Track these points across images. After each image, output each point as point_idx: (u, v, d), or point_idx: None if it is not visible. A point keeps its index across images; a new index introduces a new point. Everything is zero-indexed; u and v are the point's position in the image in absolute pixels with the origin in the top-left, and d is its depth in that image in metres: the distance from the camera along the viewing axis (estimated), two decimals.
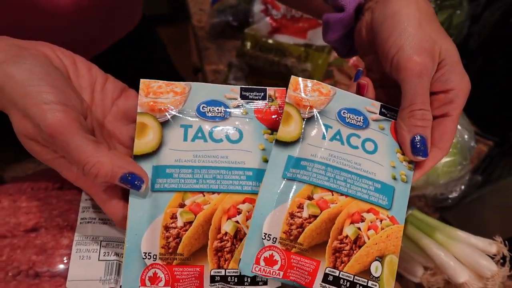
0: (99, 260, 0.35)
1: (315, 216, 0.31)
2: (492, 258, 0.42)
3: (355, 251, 0.31)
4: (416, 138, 0.32)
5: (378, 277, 0.31)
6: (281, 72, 0.75)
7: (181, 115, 0.33)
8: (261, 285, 0.31)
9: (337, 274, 0.31)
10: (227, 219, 0.31)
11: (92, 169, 0.28)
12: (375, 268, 0.31)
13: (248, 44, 0.77)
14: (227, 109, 0.34)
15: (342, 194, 0.32)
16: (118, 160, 0.29)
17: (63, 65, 0.33)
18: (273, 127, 0.34)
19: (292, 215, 0.31)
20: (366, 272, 0.31)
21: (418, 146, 0.32)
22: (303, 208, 0.31)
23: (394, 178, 0.33)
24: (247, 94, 0.35)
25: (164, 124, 0.33)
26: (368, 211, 0.32)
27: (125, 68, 0.68)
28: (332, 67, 0.76)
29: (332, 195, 0.32)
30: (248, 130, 0.34)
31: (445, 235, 0.44)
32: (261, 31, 0.79)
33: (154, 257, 0.30)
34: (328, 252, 0.31)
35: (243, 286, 0.31)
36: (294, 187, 0.32)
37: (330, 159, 0.33)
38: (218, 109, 0.34)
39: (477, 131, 0.68)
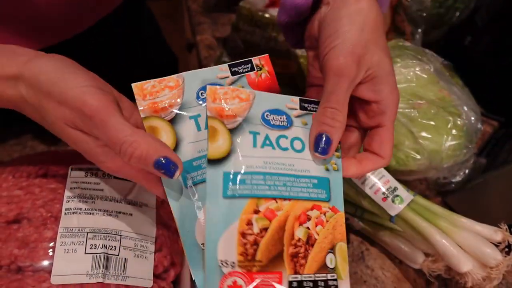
0: (85, 253, 0.33)
1: (266, 229, 0.30)
2: (497, 246, 0.41)
3: (309, 251, 0.31)
4: (321, 136, 0.32)
5: (334, 268, 0.32)
6: (279, 49, 0.72)
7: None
8: None
9: (299, 279, 0.31)
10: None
11: (129, 148, 0.27)
12: (330, 260, 0.32)
13: (243, 19, 0.74)
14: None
15: (285, 199, 0.32)
16: (155, 143, 0.28)
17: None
18: None
19: (243, 234, 0.30)
20: (323, 267, 0.32)
21: (319, 143, 0.32)
22: (252, 224, 0.30)
23: (327, 169, 0.34)
24: (237, 69, 0.35)
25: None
26: (311, 208, 0.32)
27: (113, 45, 0.65)
28: None
29: (277, 202, 0.31)
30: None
31: (449, 223, 0.43)
32: (257, 4, 0.75)
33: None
34: (286, 260, 0.31)
35: None
36: (238, 204, 0.30)
37: (266, 167, 0.32)
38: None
39: (481, 111, 0.66)
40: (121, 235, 0.35)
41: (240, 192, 0.30)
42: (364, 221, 0.49)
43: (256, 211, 0.30)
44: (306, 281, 0.31)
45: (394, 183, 0.46)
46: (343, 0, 0.32)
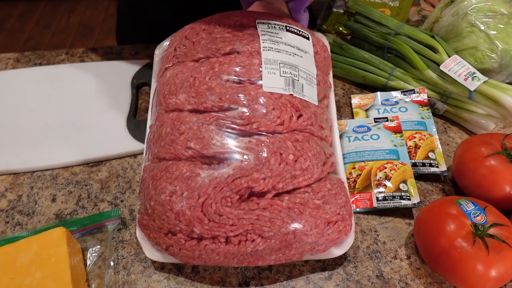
0: (280, 76, 0.49)
1: (359, 174, 0.57)
2: None
3: (387, 183, 0.55)
4: None
5: (406, 190, 0.54)
6: (378, 2, 0.89)
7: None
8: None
9: (383, 195, 0.54)
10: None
11: None
12: (403, 186, 0.54)
13: None
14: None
15: (370, 161, 0.57)
16: None
17: None
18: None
19: (347, 178, 0.57)
20: (398, 189, 0.55)
21: None
22: (352, 173, 0.57)
23: (395, 146, 0.58)
24: (406, 93, 0.66)
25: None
26: (386, 163, 0.57)
27: None
28: None
29: (364, 163, 0.58)
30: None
31: None
32: None
33: None
34: (373, 186, 0.55)
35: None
36: (345, 166, 0.58)
37: (356, 149, 0.60)
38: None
39: None
40: (298, 68, 0.51)
41: (345, 162, 0.58)
42: (448, 104, 0.65)
43: (354, 168, 0.57)
44: (386, 195, 0.54)
45: (472, 69, 0.61)
46: None
